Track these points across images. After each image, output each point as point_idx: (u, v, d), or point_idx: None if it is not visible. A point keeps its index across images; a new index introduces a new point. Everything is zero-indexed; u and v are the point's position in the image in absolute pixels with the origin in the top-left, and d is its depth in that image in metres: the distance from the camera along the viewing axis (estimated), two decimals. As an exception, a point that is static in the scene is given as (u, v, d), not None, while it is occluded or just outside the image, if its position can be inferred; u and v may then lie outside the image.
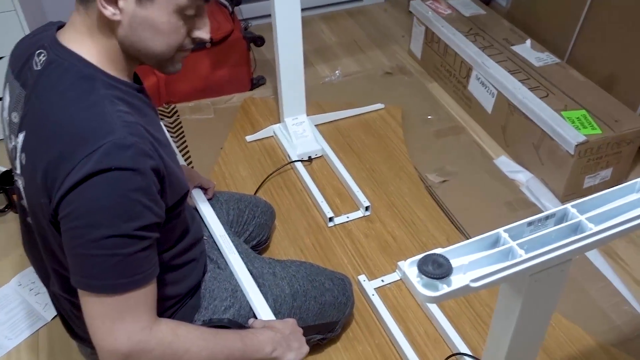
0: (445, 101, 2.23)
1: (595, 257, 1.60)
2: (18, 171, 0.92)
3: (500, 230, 0.81)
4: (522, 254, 0.77)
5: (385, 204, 1.75)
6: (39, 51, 0.89)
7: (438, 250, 0.77)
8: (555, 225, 0.82)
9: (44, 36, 0.91)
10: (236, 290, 1.19)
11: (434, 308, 1.42)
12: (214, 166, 1.90)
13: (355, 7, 2.87)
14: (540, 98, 1.84)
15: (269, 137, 2.01)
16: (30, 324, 1.53)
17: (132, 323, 0.86)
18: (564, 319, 1.42)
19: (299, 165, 1.85)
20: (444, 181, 1.85)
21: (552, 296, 0.90)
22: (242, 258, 1.26)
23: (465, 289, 0.75)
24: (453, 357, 1.34)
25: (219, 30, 2.10)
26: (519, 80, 1.91)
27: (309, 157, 1.89)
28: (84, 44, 0.87)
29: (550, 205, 1.76)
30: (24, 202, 0.94)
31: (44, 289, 1.57)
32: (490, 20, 2.25)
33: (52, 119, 0.84)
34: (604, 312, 1.46)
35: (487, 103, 2.03)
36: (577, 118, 1.75)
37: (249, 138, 1.99)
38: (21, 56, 0.93)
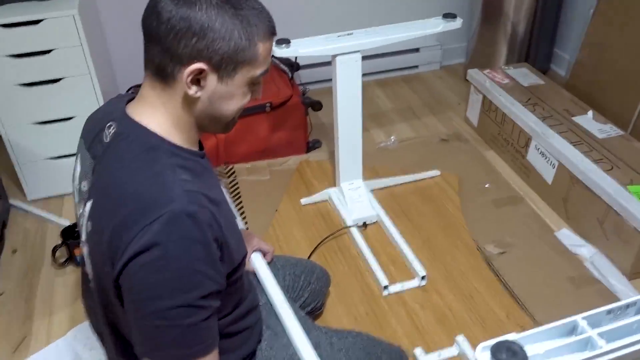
0: (503, 170, 2.19)
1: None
2: (84, 238, 0.94)
3: (578, 317, 0.77)
4: (603, 345, 0.73)
5: (441, 275, 1.71)
6: (109, 124, 0.92)
7: (511, 337, 0.74)
8: (636, 315, 0.78)
9: (115, 109, 0.95)
10: (293, 358, 1.16)
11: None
12: (269, 228, 1.91)
13: (410, 73, 2.91)
14: (604, 171, 1.79)
15: (324, 200, 2.02)
16: (82, 380, 1.53)
17: None
18: None
19: (353, 230, 1.84)
20: (503, 253, 1.80)
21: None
22: (300, 325, 1.24)
23: (542, 380, 0.71)
24: None
25: (278, 95, 2.16)
26: (581, 152, 1.87)
27: (364, 222, 1.88)
28: (155, 117, 0.89)
29: (617, 283, 1.68)
30: (88, 268, 0.96)
31: (97, 345, 1.58)
32: (549, 90, 2.24)
33: (117, 188, 0.86)
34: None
35: (548, 174, 1.99)
36: (645, 193, 1.69)
37: (303, 201, 2.00)
38: (93, 129, 0.97)
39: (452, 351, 1.48)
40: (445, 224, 1.90)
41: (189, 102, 0.88)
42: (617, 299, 1.62)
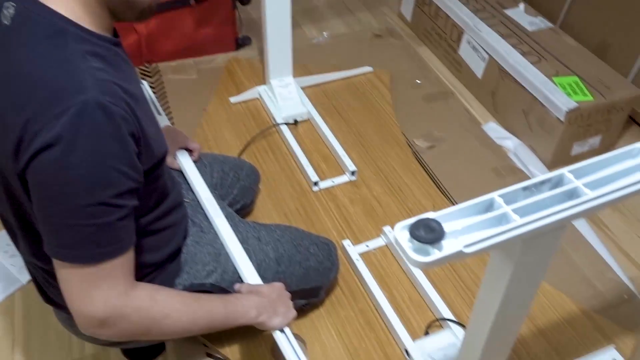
0: (435, 65, 2.18)
1: (581, 225, 1.59)
2: None
3: (495, 194, 0.78)
4: (517, 219, 0.75)
5: (371, 169, 1.72)
6: (6, 4, 0.82)
7: (430, 215, 0.74)
8: (550, 191, 0.80)
9: None
10: (219, 254, 1.15)
11: (418, 274, 1.41)
12: (197, 128, 1.84)
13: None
14: (531, 63, 1.80)
15: (254, 99, 1.96)
16: (5, 286, 1.49)
17: (109, 290, 0.83)
18: (547, 285, 1.42)
19: (284, 128, 1.81)
20: (432, 147, 1.82)
21: (544, 261, 0.88)
22: (227, 221, 1.22)
23: (458, 254, 0.72)
24: (436, 322, 1.33)
25: (202, -14, 2.02)
26: (511, 45, 1.87)
27: (295, 120, 1.85)
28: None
29: (538, 172, 1.74)
30: None
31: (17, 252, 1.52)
32: (482, -18, 2.19)
33: (19, 77, 0.78)
34: (588, 280, 1.45)
35: (478, 68, 1.99)
36: (569, 84, 1.72)
37: (233, 100, 1.94)
38: None
39: (380, 241, 1.52)
40: (376, 120, 1.89)
41: None
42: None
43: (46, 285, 1.02)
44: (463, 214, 0.77)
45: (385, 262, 1.47)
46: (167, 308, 0.90)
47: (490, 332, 0.95)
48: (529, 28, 1.96)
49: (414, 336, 1.29)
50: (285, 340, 1.05)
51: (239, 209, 1.46)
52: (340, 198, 1.63)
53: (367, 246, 1.50)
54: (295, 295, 1.19)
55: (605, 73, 1.79)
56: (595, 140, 1.79)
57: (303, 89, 1.94)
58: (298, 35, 2.27)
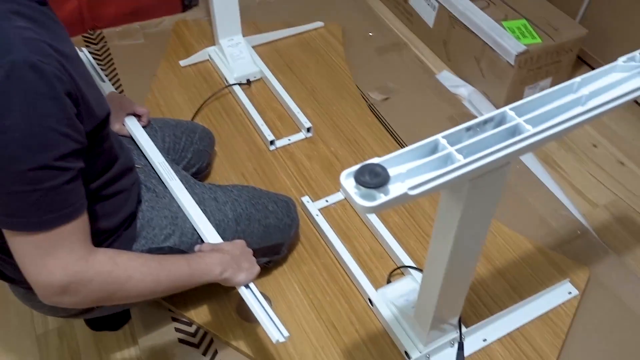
0: (386, 17, 2.16)
1: (534, 166, 1.62)
2: None
3: (439, 136, 0.79)
4: (461, 159, 0.75)
5: (327, 125, 1.71)
6: None
7: (375, 160, 0.75)
8: (493, 129, 0.81)
9: None
10: (176, 217, 1.14)
11: (378, 225, 1.42)
12: (147, 94, 1.80)
13: None
14: (481, 9, 1.80)
15: (205, 61, 1.91)
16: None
17: (66, 256, 0.81)
18: (503, 226, 1.45)
19: (237, 89, 1.78)
20: (386, 98, 1.82)
21: (492, 200, 0.90)
22: (182, 184, 1.21)
23: (404, 197, 0.73)
24: (398, 270, 1.35)
25: (142, -54, 1.95)
26: (460, -9, 1.87)
27: (247, 80, 1.82)
28: None
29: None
30: None
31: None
32: None
33: None
34: (542, 218, 1.49)
35: (429, 17, 1.98)
36: (518, 28, 1.73)
37: (183, 63, 1.89)
38: None
39: (339, 196, 1.53)
40: (330, 75, 1.87)
41: None
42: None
43: (0, 262, 1.00)
44: (408, 157, 0.77)
45: (345, 215, 1.48)
46: (129, 270, 0.89)
47: (446, 272, 0.98)
48: (477, -27, 1.94)
49: (377, 285, 1.31)
50: (251, 296, 1.06)
51: (195, 172, 1.44)
52: (298, 155, 1.63)
53: (327, 201, 1.50)
54: (257, 253, 1.19)
55: (553, 15, 1.80)
56: (546, 83, 1.82)
57: (254, 47, 1.90)
58: (246, -7, 2.22)
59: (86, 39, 2.01)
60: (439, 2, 1.90)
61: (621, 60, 0.90)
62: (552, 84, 1.83)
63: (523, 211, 1.51)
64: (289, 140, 1.66)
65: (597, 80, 0.89)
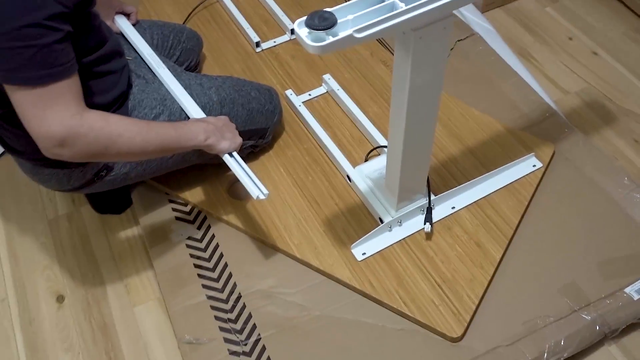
0: None
1: (507, 56, 1.69)
2: None
3: (384, -13, 0.87)
4: (402, 6, 0.84)
5: (311, 27, 1.78)
6: None
7: (325, 9, 0.84)
8: (435, -18, 0.89)
9: None
10: (165, 98, 1.25)
11: (358, 113, 1.52)
12: (138, 6, 1.87)
13: None
14: None
15: (193, -28, 1.97)
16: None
17: (63, 110, 0.92)
18: (475, 110, 1.54)
19: (224, -3, 1.85)
20: (368, 1, 1.88)
21: (438, 57, 0.99)
22: (170, 72, 1.31)
23: (350, 39, 0.82)
24: (374, 152, 1.46)
25: None
26: None
27: (234, -12, 1.88)
28: None
29: (473, 17, 1.82)
30: None
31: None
32: None
33: None
34: (513, 103, 1.58)
35: None
36: None
37: (171, -24, 1.95)
38: None
39: (321, 89, 1.62)
40: (314, -19, 1.93)
41: None
42: (472, 30, 1.77)
43: (3, 133, 1.12)
44: (356, 8, 0.86)
45: (327, 107, 1.58)
46: (120, 128, 1.00)
47: (405, 136, 1.08)
48: None
49: (355, 165, 1.42)
50: (234, 161, 1.18)
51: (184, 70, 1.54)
52: (283, 56, 1.71)
53: (310, 95, 1.60)
54: (243, 135, 1.30)
55: None
56: (524, -21, 1.86)
57: (240, -44, 1.95)
58: None
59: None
60: None
61: None
62: (530, -19, 1.87)
63: (495, 97, 1.59)
64: (274, 42, 1.74)
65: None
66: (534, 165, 1.42)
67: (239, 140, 1.20)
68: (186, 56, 1.54)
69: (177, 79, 1.29)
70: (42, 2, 0.86)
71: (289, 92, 1.58)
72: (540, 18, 1.87)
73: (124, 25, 1.40)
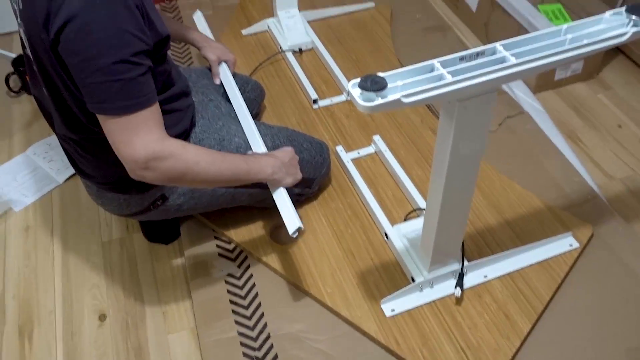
0: (434, 1, 2.32)
1: (555, 136, 1.74)
2: (19, 20, 1.06)
3: (434, 61, 0.95)
4: (449, 78, 0.92)
5: (367, 90, 1.88)
6: None
7: (378, 73, 0.92)
8: (482, 59, 0.96)
9: None
10: (223, 139, 1.35)
11: (402, 175, 1.58)
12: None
13: None
14: (519, -6, 1.93)
15: (264, 31, 2.13)
16: (44, 185, 1.72)
17: (146, 136, 1.03)
18: (517, 185, 1.58)
19: (289, 55, 1.98)
20: (424, 71, 1.97)
21: (481, 126, 1.05)
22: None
23: (398, 102, 0.90)
24: (414, 213, 1.51)
25: None
26: (502, -22, 2.00)
27: (300, 48, 2.02)
28: None
29: (523, 95, 1.89)
30: (28, 50, 1.09)
31: (57, 157, 1.76)
32: None
33: None
34: (557, 183, 1.61)
35: (472, 2, 2.12)
36: (552, 11, 1.85)
37: (244, 31, 2.12)
38: None
39: (370, 149, 1.70)
40: (375, 48, 2.05)
41: None
42: (521, 109, 1.83)
43: (77, 157, 1.24)
44: (408, 75, 0.94)
45: (374, 166, 1.65)
46: (197, 156, 1.11)
47: (443, 202, 1.13)
48: (521, -38, 2.07)
49: (393, 223, 1.47)
50: (284, 192, 1.27)
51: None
52: (337, 114, 1.81)
53: (358, 153, 1.68)
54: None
55: (590, 3, 1.90)
56: (577, 66, 1.92)
57: (308, 21, 2.10)
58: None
59: (163, 8, 2.27)
60: (482, -12, 2.05)
61: (608, 14, 1.04)
62: (584, 68, 1.94)
63: (538, 174, 1.63)
64: (331, 101, 1.85)
65: (583, 29, 1.02)
66: (571, 245, 1.43)
67: (300, 175, 1.30)
68: (248, 105, 1.65)
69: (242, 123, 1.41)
70: (128, 41, 0.98)
71: (339, 148, 1.67)
72: (591, 103, 1.92)
73: (224, 71, 1.58)
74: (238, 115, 1.45)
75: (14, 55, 2.04)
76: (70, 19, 0.94)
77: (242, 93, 1.63)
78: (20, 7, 1.02)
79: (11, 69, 1.99)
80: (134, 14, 0.98)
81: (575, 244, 1.43)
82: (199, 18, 1.92)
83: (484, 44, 2.10)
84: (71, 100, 1.08)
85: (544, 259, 1.41)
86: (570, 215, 1.51)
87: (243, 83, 1.65)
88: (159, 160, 1.04)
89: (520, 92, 1.89)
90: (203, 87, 1.52)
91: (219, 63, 1.60)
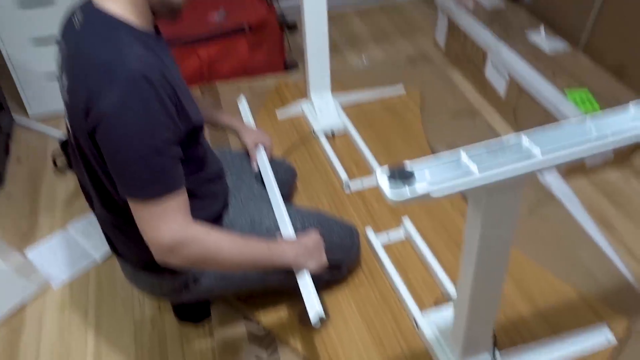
0: (464, 86, 2.38)
1: (588, 224, 1.72)
2: (65, 107, 1.14)
3: (461, 151, 0.98)
4: (476, 171, 0.94)
5: (398, 173, 1.92)
6: (75, 11, 1.11)
7: (406, 163, 0.95)
8: (509, 151, 0.98)
9: (80, 1, 1.13)
10: (254, 222, 1.39)
11: (432, 260, 1.58)
12: (247, 137, 2.10)
13: (387, 3, 3.05)
14: (546, 80, 1.97)
15: (297, 113, 2.21)
16: (82, 262, 1.77)
17: (172, 221, 1.06)
18: (549, 273, 1.56)
19: (322, 138, 2.05)
20: (454, 155, 2.00)
21: (509, 217, 1.06)
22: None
23: (426, 195, 0.92)
24: (444, 299, 1.49)
25: (255, 16, 2.33)
26: (529, 64, 2.05)
27: (332, 131, 2.08)
28: (115, 3, 1.06)
29: (553, 180, 1.89)
30: (70, 133, 1.16)
31: (96, 234, 1.82)
32: (509, 11, 2.40)
33: (84, 58, 1.03)
34: (590, 271, 1.58)
35: (501, 87, 2.17)
36: (579, 96, 1.88)
37: (278, 113, 2.20)
38: (64, 19, 1.16)
39: (400, 232, 1.71)
40: (405, 132, 2.10)
41: None
42: (551, 194, 1.83)
43: (114, 237, 1.28)
44: (434, 165, 0.96)
45: (403, 250, 1.66)
46: (220, 242, 1.13)
47: (472, 292, 1.13)
48: (548, 50, 2.13)
49: (423, 309, 1.46)
50: (308, 278, 1.27)
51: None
52: (368, 197, 1.84)
53: (388, 236, 1.69)
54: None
55: (619, 90, 1.93)
56: (608, 151, 1.92)
57: (341, 104, 2.18)
58: (339, 60, 2.54)
59: (202, 90, 2.38)
60: (509, 74, 2.10)
61: (632, 105, 1.06)
62: (616, 153, 1.94)
63: (571, 262, 1.61)
64: (362, 183, 1.88)
65: (608, 120, 1.04)
66: (606, 338, 1.39)
67: (325, 261, 1.31)
68: (281, 186, 1.69)
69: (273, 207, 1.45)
70: (160, 131, 1.03)
71: (369, 231, 1.68)
72: (623, 189, 1.90)
73: (261, 156, 1.65)
74: (270, 199, 1.49)
75: (63, 137, 2.15)
76: (106, 111, 1.00)
77: (275, 174, 1.68)
78: (65, 87, 1.09)
79: (59, 148, 2.09)
80: (166, 105, 1.03)
81: (611, 338, 1.39)
82: (242, 103, 2.00)
83: (513, 129, 2.15)
84: (108, 183, 1.13)
85: (579, 351, 1.37)
86: (604, 307, 1.47)
87: (276, 165, 1.70)
88: (182, 246, 1.07)
89: (551, 178, 1.90)
90: (237, 169, 1.57)
91: (256, 147, 1.66)
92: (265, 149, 1.67)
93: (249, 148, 1.65)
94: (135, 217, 1.07)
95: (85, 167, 1.16)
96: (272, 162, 1.70)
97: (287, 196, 1.77)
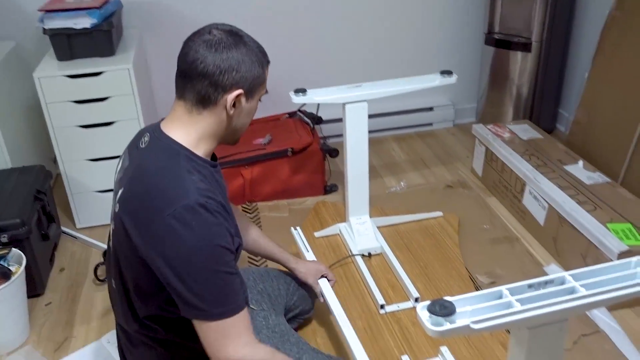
0: (502, 213, 2.39)
1: (635, 359, 1.64)
2: (112, 218, 1.20)
3: (503, 287, 0.97)
4: (518, 306, 0.93)
5: (434, 297, 1.88)
6: (145, 134, 1.20)
7: (446, 298, 0.95)
8: (551, 288, 0.97)
9: (151, 125, 1.23)
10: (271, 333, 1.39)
11: (472, 393, 1.51)
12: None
13: (425, 130, 3.17)
14: (587, 211, 1.97)
15: (335, 234, 2.24)
16: (112, 374, 1.75)
17: (237, 340, 1.08)
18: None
19: (359, 259, 2.05)
20: (493, 282, 1.97)
21: (553, 353, 1.02)
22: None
23: (467, 328, 0.91)
24: None
25: (300, 142, 2.45)
26: (569, 195, 2.07)
27: (369, 253, 2.09)
28: (182, 132, 1.15)
29: (600, 314, 1.82)
30: (110, 244, 1.21)
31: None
32: (546, 143, 2.46)
33: (144, 181, 1.12)
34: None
35: (540, 216, 2.17)
36: (622, 230, 1.86)
37: (317, 234, 2.23)
38: (134, 139, 1.25)
39: (438, 361, 1.65)
40: (443, 257, 2.09)
41: (220, 120, 1.16)
42: (597, 327, 1.77)
43: (126, 349, 1.29)
44: (476, 300, 0.96)
45: (441, 381, 1.59)
46: None
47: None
48: (587, 181, 2.15)
49: None
50: None
51: (298, 314, 1.69)
52: (404, 321, 1.80)
53: (426, 365, 1.63)
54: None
55: (660, 223, 1.91)
56: (655, 285, 1.87)
57: (378, 227, 2.20)
58: (378, 185, 2.60)
59: (244, 209, 2.46)
60: (548, 204, 2.11)
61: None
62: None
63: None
64: (398, 307, 1.85)
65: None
66: None
67: None
68: (301, 301, 1.69)
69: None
70: (221, 253, 1.07)
71: (405, 358, 1.63)
72: (674, 326, 1.82)
73: (324, 286, 1.68)
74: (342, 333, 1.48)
75: (105, 248, 2.22)
76: (162, 237, 1.05)
77: (296, 289, 1.69)
78: (117, 210, 1.15)
79: (101, 260, 2.15)
80: (223, 229, 1.08)
81: None
82: (297, 234, 2.04)
83: (554, 257, 2.12)
84: (134, 292, 1.16)
85: None
86: None
87: (299, 281, 1.71)
88: None
89: (596, 310, 1.84)
90: (258, 294, 1.57)
91: (318, 279, 1.69)
92: (329, 280, 1.70)
93: (312, 285, 1.67)
94: (200, 336, 1.09)
95: (119, 276, 1.20)
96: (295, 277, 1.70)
97: (309, 310, 1.75)
